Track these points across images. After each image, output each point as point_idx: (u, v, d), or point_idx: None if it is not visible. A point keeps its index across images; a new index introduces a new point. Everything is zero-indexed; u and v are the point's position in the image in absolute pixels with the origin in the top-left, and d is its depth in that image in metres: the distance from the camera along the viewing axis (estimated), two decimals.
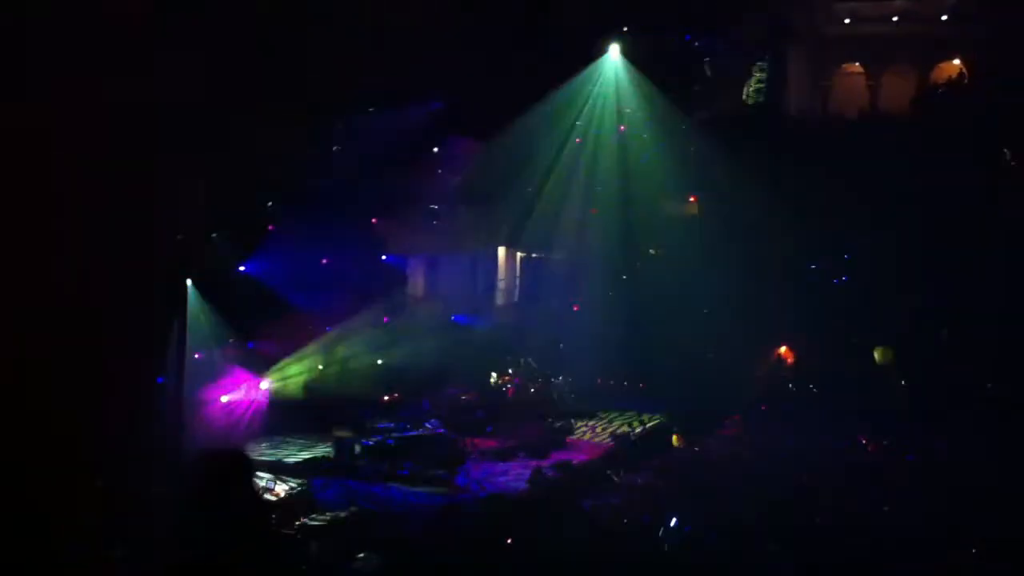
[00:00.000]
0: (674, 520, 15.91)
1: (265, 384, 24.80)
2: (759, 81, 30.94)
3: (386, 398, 24.67)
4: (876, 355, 23.25)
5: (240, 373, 24.55)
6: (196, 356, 23.39)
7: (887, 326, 23.57)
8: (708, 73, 30.17)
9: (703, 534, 15.29)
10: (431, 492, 19.27)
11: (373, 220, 28.96)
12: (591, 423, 24.13)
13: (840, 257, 26.36)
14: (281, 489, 19.29)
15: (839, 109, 31.80)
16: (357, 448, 21.26)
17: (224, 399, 23.79)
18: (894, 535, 14.82)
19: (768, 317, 24.61)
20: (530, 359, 25.59)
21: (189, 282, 23.54)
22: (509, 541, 15.83)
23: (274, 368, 25.20)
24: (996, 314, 22.25)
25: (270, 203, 26.91)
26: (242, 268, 26.77)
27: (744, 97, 30.97)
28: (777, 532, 14.89)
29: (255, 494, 4.89)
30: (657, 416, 23.81)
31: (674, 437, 21.60)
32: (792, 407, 22.26)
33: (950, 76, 30.52)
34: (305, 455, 21.75)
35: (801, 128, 29.96)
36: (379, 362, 26.22)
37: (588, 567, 14.69)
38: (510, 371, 25.55)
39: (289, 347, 25.48)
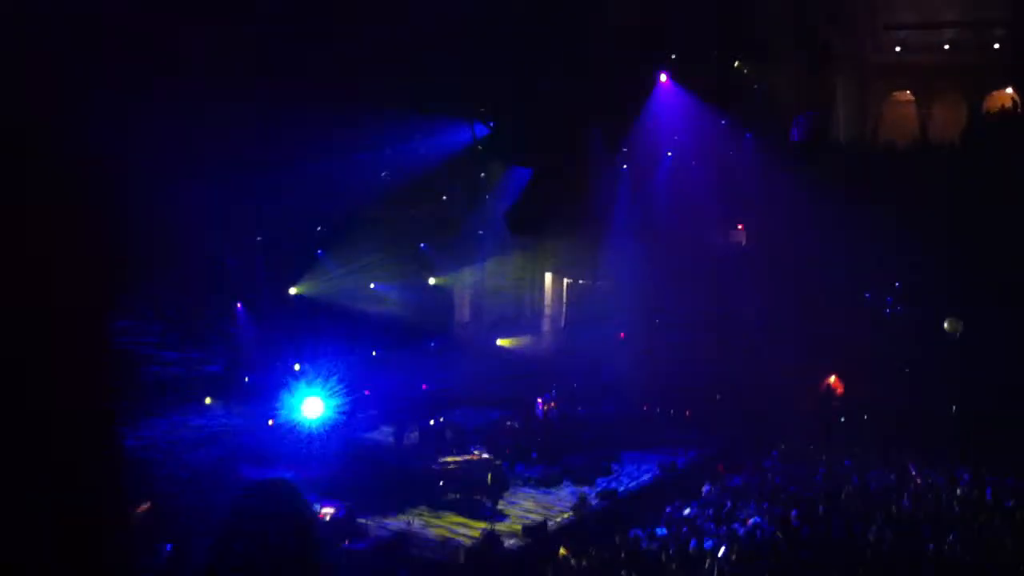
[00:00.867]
0: (723, 550, 15.84)
1: (313, 407, 24.85)
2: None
3: (431, 423, 24.70)
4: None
5: (289, 396, 24.65)
6: (246, 379, 23.61)
7: (939, 355, 23.42)
8: (758, 100, 30.08)
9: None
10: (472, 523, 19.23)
11: (421, 245, 29.15)
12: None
13: (891, 285, 26.18)
14: (327, 512, 19.36)
15: (889, 137, 31.63)
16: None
17: (271, 422, 23.89)
18: None
19: (817, 347, 24.48)
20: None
21: (240, 305, 23.86)
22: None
23: (321, 391, 25.28)
24: None
25: (319, 228, 27.15)
26: (292, 291, 27.01)
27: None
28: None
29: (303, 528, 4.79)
30: None
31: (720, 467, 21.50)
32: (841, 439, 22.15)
33: (1003, 105, 30.25)
34: None
35: (851, 156, 29.84)
36: (423, 387, 26.32)
37: None
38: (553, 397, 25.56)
39: (337, 370, 25.60)
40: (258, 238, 24.31)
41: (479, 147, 28.19)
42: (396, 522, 19.27)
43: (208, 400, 23.54)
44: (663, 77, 28.04)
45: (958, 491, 18.15)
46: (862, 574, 14.78)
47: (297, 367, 25.77)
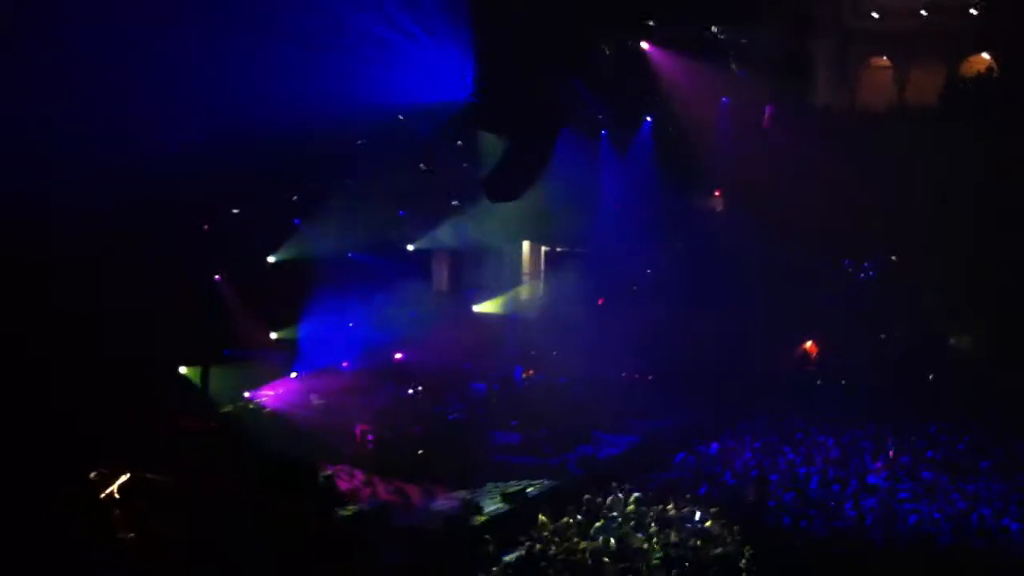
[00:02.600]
0: (698, 514, 16.06)
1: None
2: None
3: (410, 391, 24.73)
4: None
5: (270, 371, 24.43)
6: (225, 352, 23.42)
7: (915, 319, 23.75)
8: (733, 66, 29.97)
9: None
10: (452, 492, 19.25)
11: (400, 213, 28.85)
12: None
13: (865, 252, 26.42)
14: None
15: (866, 103, 31.69)
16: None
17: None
18: None
19: (794, 313, 24.67)
20: None
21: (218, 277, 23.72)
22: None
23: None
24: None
25: (295, 197, 26.78)
26: (271, 260, 26.69)
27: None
28: None
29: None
30: None
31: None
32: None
33: (979, 71, 30.34)
34: None
35: (829, 122, 29.91)
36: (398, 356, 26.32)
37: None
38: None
39: (316, 341, 25.47)
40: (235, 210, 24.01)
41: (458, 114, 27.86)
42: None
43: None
44: (644, 45, 27.95)
45: None
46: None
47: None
